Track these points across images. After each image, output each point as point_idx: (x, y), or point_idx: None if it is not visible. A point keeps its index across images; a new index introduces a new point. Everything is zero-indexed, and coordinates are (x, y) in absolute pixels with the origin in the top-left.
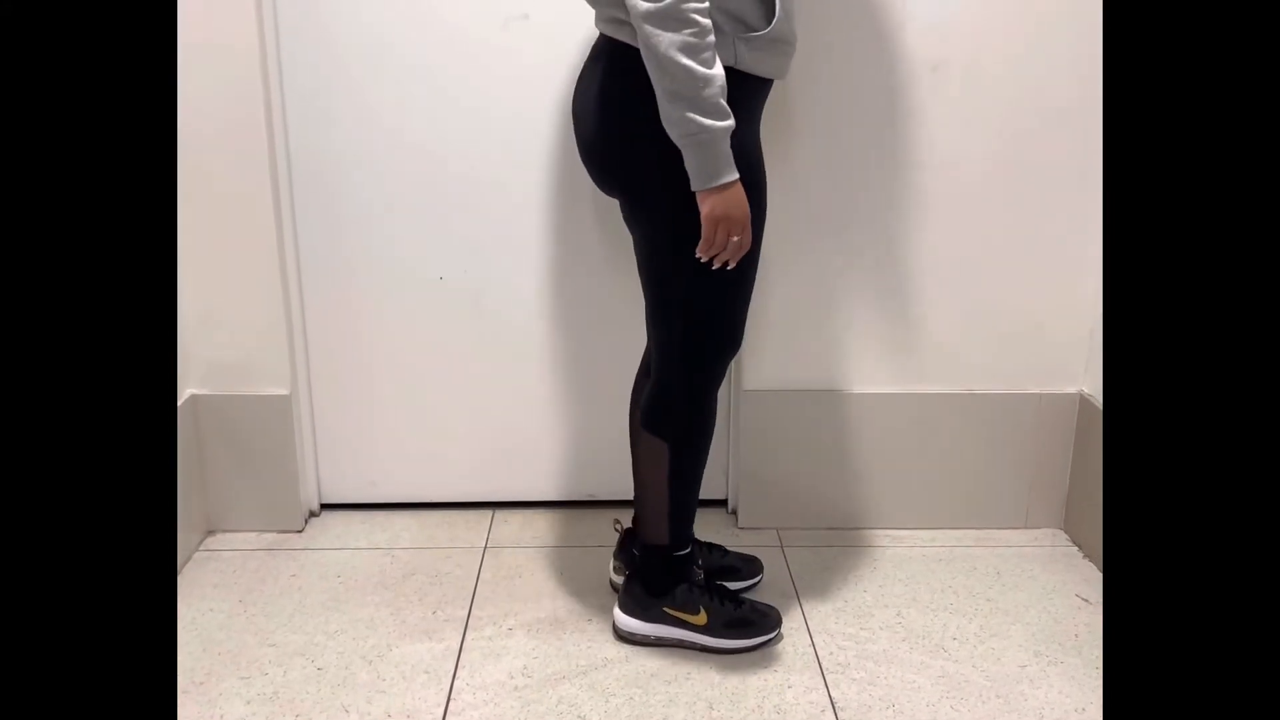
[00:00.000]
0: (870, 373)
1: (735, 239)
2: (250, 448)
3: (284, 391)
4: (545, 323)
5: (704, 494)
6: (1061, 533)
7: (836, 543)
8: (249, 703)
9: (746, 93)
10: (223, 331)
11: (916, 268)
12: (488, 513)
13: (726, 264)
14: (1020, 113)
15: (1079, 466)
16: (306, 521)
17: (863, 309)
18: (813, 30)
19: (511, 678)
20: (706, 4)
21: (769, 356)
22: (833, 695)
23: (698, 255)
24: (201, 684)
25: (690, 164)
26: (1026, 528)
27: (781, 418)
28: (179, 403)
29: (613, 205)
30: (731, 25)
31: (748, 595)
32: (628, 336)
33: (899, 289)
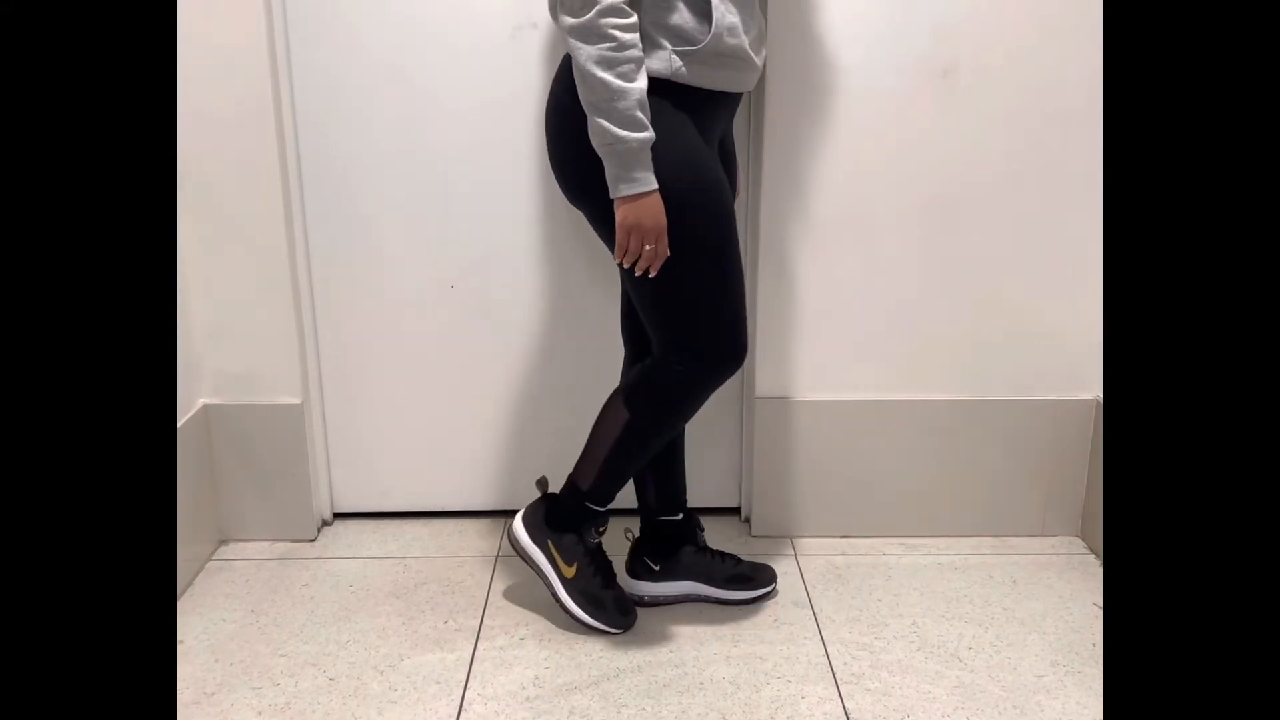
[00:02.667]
0: (883, 379)
1: (649, 247)
2: (262, 457)
3: (296, 401)
4: (557, 331)
5: (717, 502)
6: (1078, 540)
7: (850, 551)
8: (260, 713)
9: (690, 106)
10: (234, 341)
11: (930, 273)
12: (500, 521)
13: (648, 271)
14: (1032, 116)
15: (1095, 473)
16: (319, 531)
17: (875, 315)
18: (821, 35)
19: (523, 688)
20: (630, 20)
21: (781, 363)
22: (847, 706)
23: (616, 261)
24: (213, 694)
25: (607, 172)
26: (1043, 535)
27: (794, 425)
28: (191, 413)
29: None
30: (670, 39)
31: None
32: None
33: (912, 294)
